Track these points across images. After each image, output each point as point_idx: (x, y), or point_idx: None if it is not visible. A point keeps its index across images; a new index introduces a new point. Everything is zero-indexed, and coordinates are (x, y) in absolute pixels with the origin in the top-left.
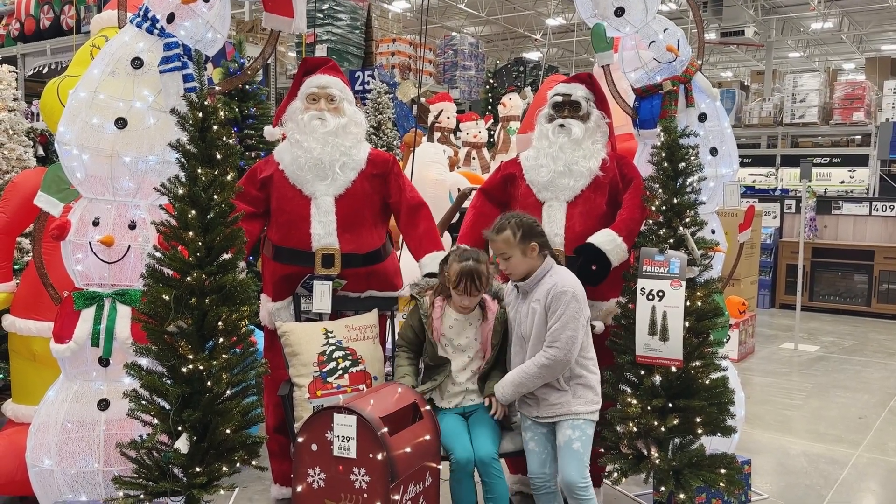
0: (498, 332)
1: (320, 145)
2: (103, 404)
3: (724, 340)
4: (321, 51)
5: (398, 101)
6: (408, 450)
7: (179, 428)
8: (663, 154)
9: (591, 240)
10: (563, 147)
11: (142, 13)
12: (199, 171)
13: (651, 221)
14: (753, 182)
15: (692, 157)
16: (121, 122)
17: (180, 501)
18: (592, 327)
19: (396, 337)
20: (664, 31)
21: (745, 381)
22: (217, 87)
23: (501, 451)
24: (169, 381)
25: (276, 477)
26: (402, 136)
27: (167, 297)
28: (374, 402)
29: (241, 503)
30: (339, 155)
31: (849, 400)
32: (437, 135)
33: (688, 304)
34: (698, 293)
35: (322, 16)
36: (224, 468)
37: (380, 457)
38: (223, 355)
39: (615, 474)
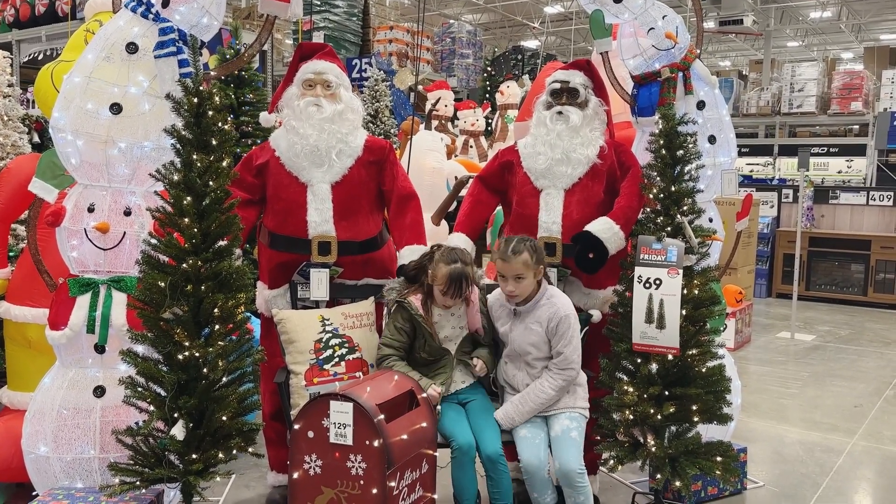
0: (484, 313)
1: (316, 132)
2: (99, 391)
3: (721, 329)
4: (318, 38)
5: (395, 88)
6: (404, 437)
7: (175, 415)
8: (661, 142)
9: (588, 228)
10: (561, 134)
11: None
12: (195, 157)
13: (649, 209)
14: (751, 171)
15: (690, 145)
16: (116, 108)
17: (176, 488)
18: (590, 316)
19: (380, 347)
20: (663, 17)
21: (741, 369)
22: (212, 73)
23: None
24: (165, 368)
25: (273, 464)
26: (400, 124)
27: (163, 284)
28: (370, 390)
29: (237, 490)
30: (336, 142)
31: (844, 389)
32: (434, 123)
33: (685, 292)
34: (695, 281)
35: (319, 2)
36: (220, 455)
37: (376, 444)
38: (219, 342)
39: (611, 462)
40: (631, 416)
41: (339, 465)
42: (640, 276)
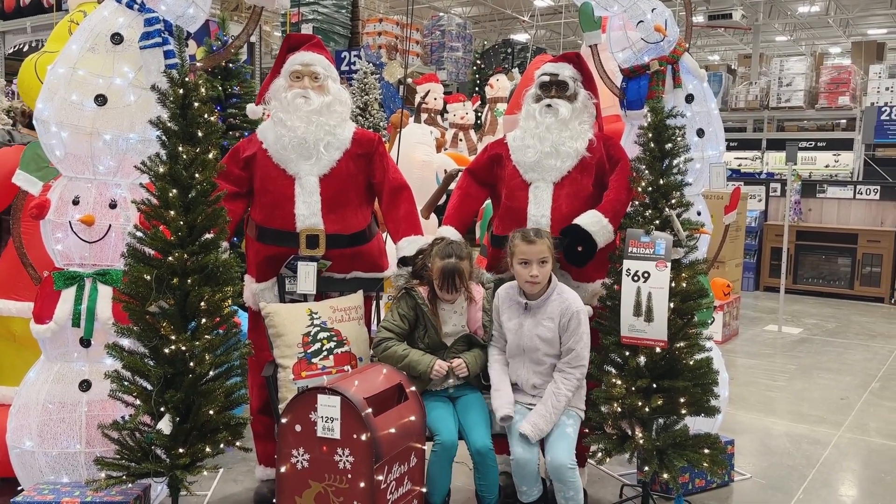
0: (487, 311)
1: (304, 124)
2: (85, 385)
3: (709, 322)
4: (306, 30)
5: (385, 81)
6: (392, 430)
7: (162, 409)
8: (650, 135)
9: (577, 221)
10: (550, 127)
11: None
12: (181, 148)
13: (637, 202)
14: (739, 165)
15: (679, 139)
16: (100, 99)
17: (163, 482)
18: None
19: (380, 330)
20: (652, 10)
21: (729, 362)
22: (199, 64)
23: None
24: (151, 362)
25: (261, 458)
26: (389, 117)
27: (148, 277)
28: (358, 383)
29: (225, 484)
30: (324, 134)
31: (831, 381)
32: (423, 116)
33: (673, 285)
34: (683, 274)
35: None
36: (207, 449)
37: (364, 437)
38: (206, 336)
39: (599, 454)
40: (619, 409)
41: (327, 459)
42: (628, 269)
